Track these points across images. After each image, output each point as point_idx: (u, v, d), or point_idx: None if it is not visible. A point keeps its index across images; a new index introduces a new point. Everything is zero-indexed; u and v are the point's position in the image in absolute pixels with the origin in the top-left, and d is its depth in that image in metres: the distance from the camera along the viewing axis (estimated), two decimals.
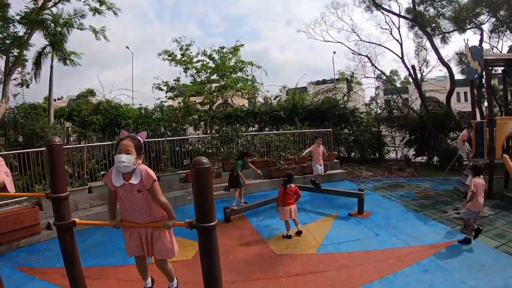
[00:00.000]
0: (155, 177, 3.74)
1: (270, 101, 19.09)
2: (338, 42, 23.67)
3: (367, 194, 10.45)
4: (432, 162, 17.78)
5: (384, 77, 22.32)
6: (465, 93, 52.25)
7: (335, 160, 14.98)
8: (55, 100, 36.49)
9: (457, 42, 34.02)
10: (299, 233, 7.67)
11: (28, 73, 21.24)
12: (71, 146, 11.20)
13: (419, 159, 18.84)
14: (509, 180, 11.50)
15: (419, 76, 20.25)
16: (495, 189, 10.39)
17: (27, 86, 21.04)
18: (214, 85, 15.21)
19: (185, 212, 9.75)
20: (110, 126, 14.01)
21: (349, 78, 21.21)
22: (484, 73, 11.24)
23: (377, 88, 22.96)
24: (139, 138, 3.79)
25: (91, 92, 18.47)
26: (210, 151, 13.47)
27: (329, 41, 22.49)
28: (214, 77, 14.35)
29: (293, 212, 7.59)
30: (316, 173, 10.90)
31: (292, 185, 7.72)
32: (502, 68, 12.94)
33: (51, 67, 16.56)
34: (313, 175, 11.14)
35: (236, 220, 9.11)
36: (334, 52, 40.14)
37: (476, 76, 12.06)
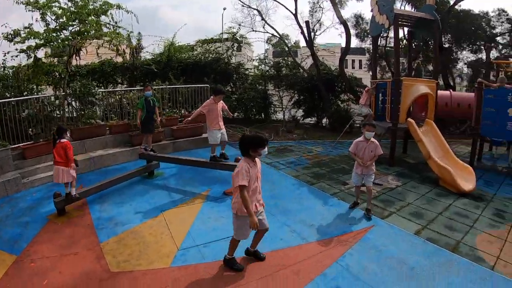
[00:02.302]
0: None
1: (135, 51, 15.87)
2: None
3: None
4: (322, 123, 16.93)
5: (275, 33, 20.40)
6: (353, 60, 54.01)
7: None
8: None
9: (353, 8, 34.58)
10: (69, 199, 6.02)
11: None
12: None
13: (308, 120, 17.81)
14: (408, 146, 11.01)
15: (313, 36, 18.97)
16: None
17: None
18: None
19: (15, 203, 6.57)
20: None
21: (238, 38, 18.88)
22: (392, 28, 10.13)
23: (266, 50, 21.10)
24: None
25: None
26: (57, 114, 10.22)
27: None
28: (76, 23, 10.81)
29: (64, 175, 5.90)
30: (214, 142, 7.61)
31: (63, 140, 6.00)
32: (408, 29, 11.86)
33: None
34: (211, 144, 7.72)
35: (75, 211, 6.11)
36: (224, 9, 38.01)
37: (381, 31, 10.87)
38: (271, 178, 7.80)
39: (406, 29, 13.14)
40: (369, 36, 20.49)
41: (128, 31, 12.95)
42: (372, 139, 5.71)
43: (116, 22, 11.70)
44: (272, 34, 20.81)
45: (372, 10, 10.54)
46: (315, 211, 5.88)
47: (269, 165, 8.92)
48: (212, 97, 7.48)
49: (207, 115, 7.46)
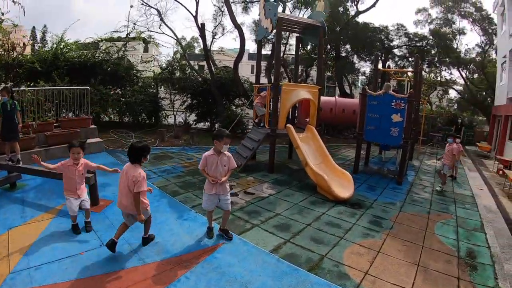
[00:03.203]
0: None
1: (21, 47, 14.33)
2: None
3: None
4: (215, 128, 16.60)
5: (172, 35, 19.90)
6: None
7: (91, 127, 11.36)
8: None
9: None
10: None
11: None
12: None
13: (201, 125, 17.65)
14: (293, 151, 10.78)
15: (211, 39, 19.29)
16: (278, 161, 9.45)
17: None
18: None
19: None
20: None
21: (146, 38, 18.86)
22: (275, 33, 9.84)
23: (175, 52, 20.37)
24: None
25: None
26: None
27: None
28: None
29: None
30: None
31: None
32: (297, 35, 11.85)
33: None
34: None
35: None
36: (131, 6, 36.39)
37: (265, 35, 10.60)
38: None
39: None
40: (269, 42, 20.81)
41: (14, 23, 12.09)
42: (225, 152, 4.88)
43: (2, 14, 10.51)
44: (177, 38, 20.11)
45: (259, 14, 10.39)
46: (166, 226, 5.36)
47: None
48: None
49: None
